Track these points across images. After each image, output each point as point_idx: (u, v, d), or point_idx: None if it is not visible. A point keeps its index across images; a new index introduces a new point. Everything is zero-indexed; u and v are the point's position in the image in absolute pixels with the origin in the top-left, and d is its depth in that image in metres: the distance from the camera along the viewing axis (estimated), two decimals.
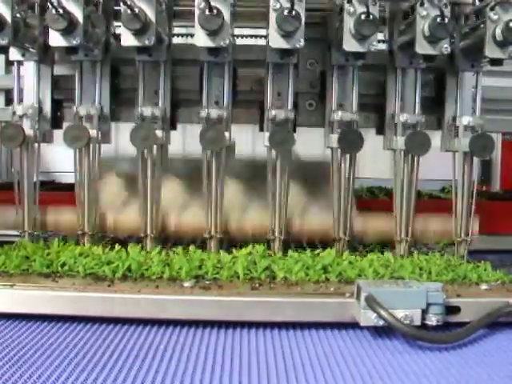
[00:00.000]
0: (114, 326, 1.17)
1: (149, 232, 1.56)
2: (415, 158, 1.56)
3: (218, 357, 1.03)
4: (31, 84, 1.57)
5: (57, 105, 1.64)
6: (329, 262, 1.38)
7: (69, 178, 2.94)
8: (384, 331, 1.15)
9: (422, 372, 0.97)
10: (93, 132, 1.53)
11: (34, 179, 1.59)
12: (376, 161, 3.78)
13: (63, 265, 1.34)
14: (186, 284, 1.25)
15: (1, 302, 1.20)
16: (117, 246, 1.48)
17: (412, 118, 1.54)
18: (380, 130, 1.66)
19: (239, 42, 1.74)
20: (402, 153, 1.56)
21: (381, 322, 1.10)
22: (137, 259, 1.35)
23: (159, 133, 1.51)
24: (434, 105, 1.65)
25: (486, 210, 2.06)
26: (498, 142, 3.33)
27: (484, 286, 1.29)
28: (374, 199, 2.38)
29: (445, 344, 1.09)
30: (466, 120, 1.54)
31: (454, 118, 1.57)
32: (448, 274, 1.35)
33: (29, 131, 1.53)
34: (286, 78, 1.51)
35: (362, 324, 1.12)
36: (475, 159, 1.56)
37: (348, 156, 1.55)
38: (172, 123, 1.63)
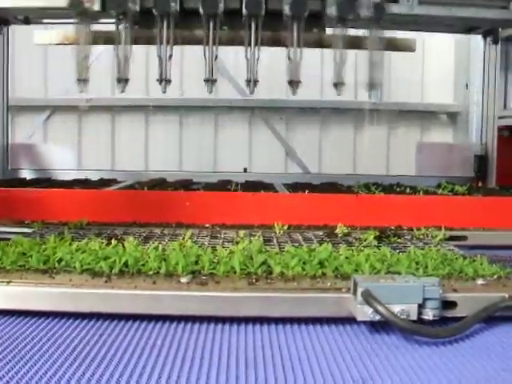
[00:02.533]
0: (110, 322, 1.17)
1: None
2: None
3: (215, 352, 1.03)
4: None
5: None
6: (325, 256, 1.38)
7: (65, 176, 2.96)
8: (381, 326, 1.15)
9: (418, 366, 0.97)
10: None
11: None
12: (372, 157, 3.82)
13: (60, 260, 1.34)
14: (183, 279, 1.24)
15: None
16: (113, 242, 1.49)
17: None
18: None
19: None
20: None
21: (377, 317, 1.10)
22: (133, 255, 1.35)
23: None
24: None
25: (482, 205, 2.08)
26: (494, 139, 3.35)
27: (480, 281, 1.30)
28: None
29: (441, 338, 1.09)
30: None
31: None
32: (444, 268, 1.35)
33: None
34: None
35: (358, 319, 1.13)
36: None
37: None
38: None
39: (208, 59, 2.02)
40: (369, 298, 1.10)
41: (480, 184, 3.08)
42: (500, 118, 3.29)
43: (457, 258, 1.45)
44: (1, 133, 3.33)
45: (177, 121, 3.99)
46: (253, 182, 2.82)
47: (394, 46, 2.33)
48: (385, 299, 1.10)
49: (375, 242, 1.67)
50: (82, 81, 2.00)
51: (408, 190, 2.49)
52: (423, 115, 4.05)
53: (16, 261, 1.33)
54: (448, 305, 1.17)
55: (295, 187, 2.58)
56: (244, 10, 1.83)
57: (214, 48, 1.98)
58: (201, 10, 1.87)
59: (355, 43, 2.12)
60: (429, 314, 1.13)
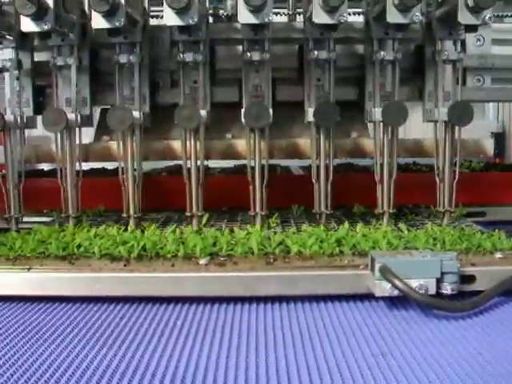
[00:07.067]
0: (130, 305, 1.18)
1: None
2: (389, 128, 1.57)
3: (235, 332, 1.03)
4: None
5: (39, 91, 1.67)
6: (342, 234, 1.38)
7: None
8: (399, 301, 1.15)
9: (438, 340, 0.97)
10: (71, 116, 1.54)
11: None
12: None
13: (79, 246, 1.35)
14: (201, 261, 1.25)
15: (18, 284, 1.21)
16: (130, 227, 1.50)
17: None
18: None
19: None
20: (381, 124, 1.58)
21: (395, 292, 1.10)
22: (151, 239, 1.36)
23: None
24: (415, 76, 1.67)
25: (500, 181, 2.06)
26: (511, 114, 3.32)
27: (498, 255, 1.29)
28: None
29: (460, 312, 1.09)
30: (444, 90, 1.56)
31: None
32: (462, 243, 1.35)
33: (9, 117, 1.56)
34: None
35: (376, 295, 1.13)
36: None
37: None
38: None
39: None
40: (387, 273, 1.10)
41: (497, 161, 3.06)
42: None
43: (474, 233, 1.44)
44: None
45: None
46: (269, 165, 2.81)
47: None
48: (403, 274, 1.10)
49: (392, 220, 1.66)
50: None
51: (424, 169, 2.47)
52: None
53: (36, 248, 1.35)
54: (466, 279, 1.17)
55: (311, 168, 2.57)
56: None
57: None
58: None
59: None
60: (447, 288, 1.12)
